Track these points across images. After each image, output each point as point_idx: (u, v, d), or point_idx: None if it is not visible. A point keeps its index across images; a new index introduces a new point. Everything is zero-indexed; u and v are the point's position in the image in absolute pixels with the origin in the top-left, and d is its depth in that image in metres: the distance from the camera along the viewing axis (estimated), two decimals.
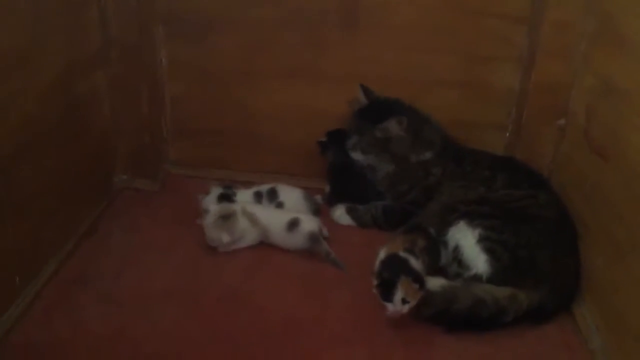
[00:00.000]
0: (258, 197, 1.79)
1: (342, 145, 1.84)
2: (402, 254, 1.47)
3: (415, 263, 1.46)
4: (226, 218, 1.62)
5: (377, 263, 1.50)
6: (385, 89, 1.82)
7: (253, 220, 1.65)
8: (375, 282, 1.43)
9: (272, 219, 1.67)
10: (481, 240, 1.52)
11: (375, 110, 1.78)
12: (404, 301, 1.38)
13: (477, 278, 1.51)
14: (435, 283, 1.48)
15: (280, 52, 1.85)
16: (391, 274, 1.40)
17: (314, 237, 1.63)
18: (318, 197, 1.89)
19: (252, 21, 1.83)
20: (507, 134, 1.89)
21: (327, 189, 1.92)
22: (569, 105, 1.71)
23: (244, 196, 1.78)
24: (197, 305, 1.49)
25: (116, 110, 1.84)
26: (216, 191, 1.76)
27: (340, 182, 1.90)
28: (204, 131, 2.01)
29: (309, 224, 1.65)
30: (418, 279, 1.40)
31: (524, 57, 1.77)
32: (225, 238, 1.60)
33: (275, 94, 1.91)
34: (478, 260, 1.52)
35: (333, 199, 1.89)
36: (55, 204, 1.56)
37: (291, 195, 1.78)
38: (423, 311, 1.45)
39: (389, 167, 1.80)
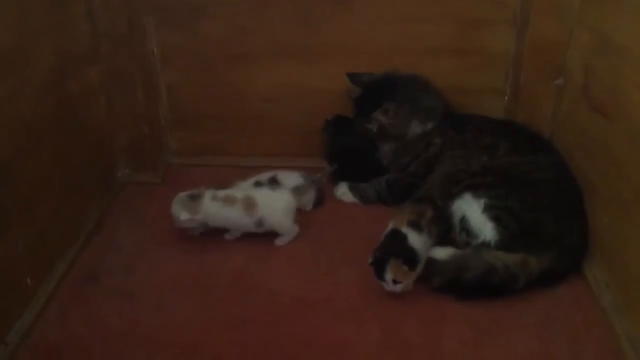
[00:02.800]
0: (259, 187, 1.75)
1: (344, 130, 1.85)
2: (404, 229, 1.47)
3: (416, 238, 1.45)
4: (193, 198, 1.60)
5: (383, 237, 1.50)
6: (381, 61, 1.80)
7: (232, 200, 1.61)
8: (369, 260, 1.44)
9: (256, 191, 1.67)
10: (487, 209, 1.52)
11: (368, 98, 1.76)
12: (394, 282, 1.40)
13: (485, 245, 1.51)
14: (444, 253, 1.50)
15: (273, 32, 1.83)
16: (383, 254, 1.42)
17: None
18: (318, 176, 1.89)
19: (241, 3, 1.80)
20: (506, 98, 1.87)
21: (328, 167, 1.91)
22: (566, 64, 1.69)
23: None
24: (208, 294, 1.50)
25: (112, 104, 1.83)
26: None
27: (343, 164, 1.89)
28: (202, 118, 2.00)
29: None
30: (409, 260, 1.40)
31: (517, 17, 1.75)
32: (184, 216, 1.58)
33: (271, 75, 1.89)
34: (485, 228, 1.52)
35: (336, 178, 1.89)
36: (59, 203, 1.57)
37: (292, 179, 1.76)
38: (434, 281, 1.46)
39: (391, 145, 1.80)
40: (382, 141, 1.81)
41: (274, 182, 1.76)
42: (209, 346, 1.35)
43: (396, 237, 1.46)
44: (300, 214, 1.75)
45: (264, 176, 1.78)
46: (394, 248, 1.43)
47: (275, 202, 1.63)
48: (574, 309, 1.43)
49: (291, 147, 1.99)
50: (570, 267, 1.51)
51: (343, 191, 1.85)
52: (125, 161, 1.93)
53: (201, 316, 1.43)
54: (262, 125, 1.98)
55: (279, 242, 1.65)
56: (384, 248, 1.45)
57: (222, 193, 1.63)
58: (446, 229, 1.58)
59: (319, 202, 1.81)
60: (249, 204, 1.60)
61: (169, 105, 1.97)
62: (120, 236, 1.70)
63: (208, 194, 1.61)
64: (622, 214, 1.38)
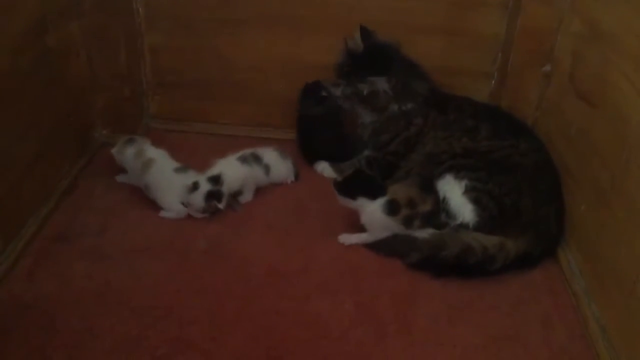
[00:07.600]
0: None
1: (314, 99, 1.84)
2: (398, 200, 1.49)
3: (378, 213, 1.49)
4: (128, 142, 1.66)
5: None
6: None
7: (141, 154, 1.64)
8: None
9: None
10: (467, 191, 1.53)
11: (369, 61, 1.72)
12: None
13: (463, 227, 1.52)
14: (424, 231, 1.51)
15: None
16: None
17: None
18: None
19: None
20: (493, 82, 1.87)
21: None
22: (555, 51, 1.69)
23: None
24: (182, 259, 1.48)
25: (93, 62, 1.78)
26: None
27: (308, 136, 1.88)
28: (184, 83, 1.96)
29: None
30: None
31: (510, 1, 1.73)
32: (114, 148, 1.67)
33: (257, 44, 1.86)
34: (464, 210, 1.52)
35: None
36: (34, 160, 1.53)
37: (271, 156, 1.73)
38: (411, 256, 1.47)
39: (369, 116, 1.77)
40: (355, 108, 1.78)
41: (257, 158, 1.70)
42: (181, 312, 1.33)
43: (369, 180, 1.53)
44: (280, 187, 1.75)
45: (247, 152, 1.71)
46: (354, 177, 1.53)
47: (161, 180, 1.61)
48: (547, 293, 1.45)
49: (274, 118, 1.96)
50: (546, 252, 1.52)
51: (323, 166, 1.84)
52: (103, 122, 1.89)
53: (174, 281, 1.41)
54: (245, 94, 1.95)
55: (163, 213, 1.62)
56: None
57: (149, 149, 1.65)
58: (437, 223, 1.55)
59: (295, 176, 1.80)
60: (145, 164, 1.61)
61: (151, 67, 1.93)
62: (95, 197, 1.67)
63: (143, 144, 1.65)
64: (598, 201, 1.40)
